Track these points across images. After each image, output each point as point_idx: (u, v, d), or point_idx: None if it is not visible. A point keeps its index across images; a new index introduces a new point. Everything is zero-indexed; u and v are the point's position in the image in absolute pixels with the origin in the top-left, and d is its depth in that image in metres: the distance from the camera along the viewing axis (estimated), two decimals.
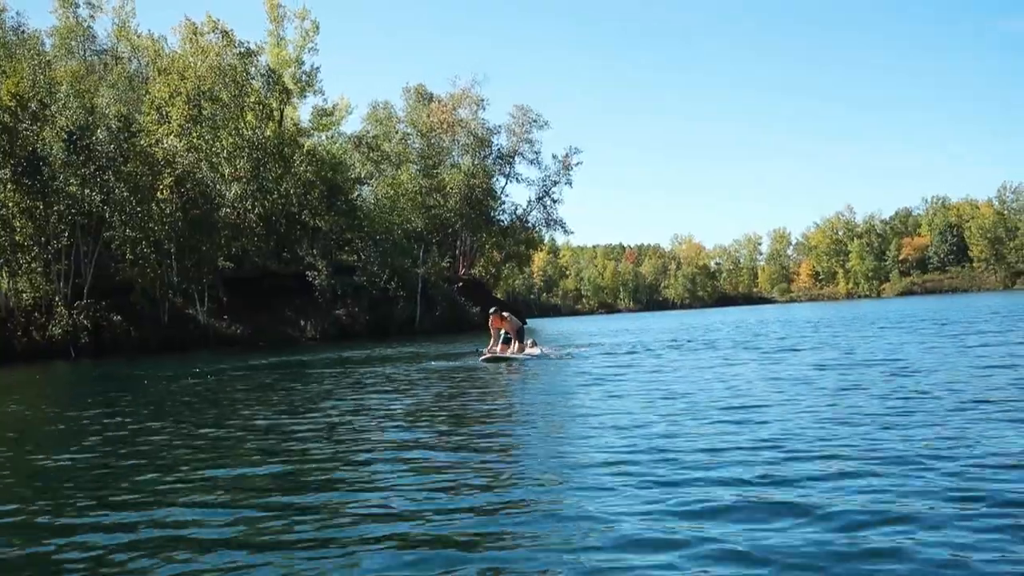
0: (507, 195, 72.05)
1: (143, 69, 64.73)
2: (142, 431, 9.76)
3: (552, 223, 71.44)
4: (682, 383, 11.88)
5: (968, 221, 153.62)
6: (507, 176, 70.54)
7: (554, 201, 70.95)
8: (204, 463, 7.09)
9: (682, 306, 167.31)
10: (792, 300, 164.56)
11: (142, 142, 46.42)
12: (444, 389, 13.31)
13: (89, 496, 5.99)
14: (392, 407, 10.79)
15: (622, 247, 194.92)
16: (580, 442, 7.20)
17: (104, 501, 5.82)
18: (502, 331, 20.18)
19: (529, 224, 71.84)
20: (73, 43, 65.37)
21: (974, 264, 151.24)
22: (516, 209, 71.71)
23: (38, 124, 42.50)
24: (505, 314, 20.70)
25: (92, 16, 66.45)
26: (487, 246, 70.90)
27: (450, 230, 65.99)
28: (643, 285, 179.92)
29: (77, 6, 65.38)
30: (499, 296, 72.85)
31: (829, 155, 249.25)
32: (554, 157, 70.78)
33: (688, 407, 9.10)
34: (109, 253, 47.44)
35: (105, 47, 67.56)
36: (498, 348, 19.72)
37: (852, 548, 3.98)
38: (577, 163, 70.22)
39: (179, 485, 6.16)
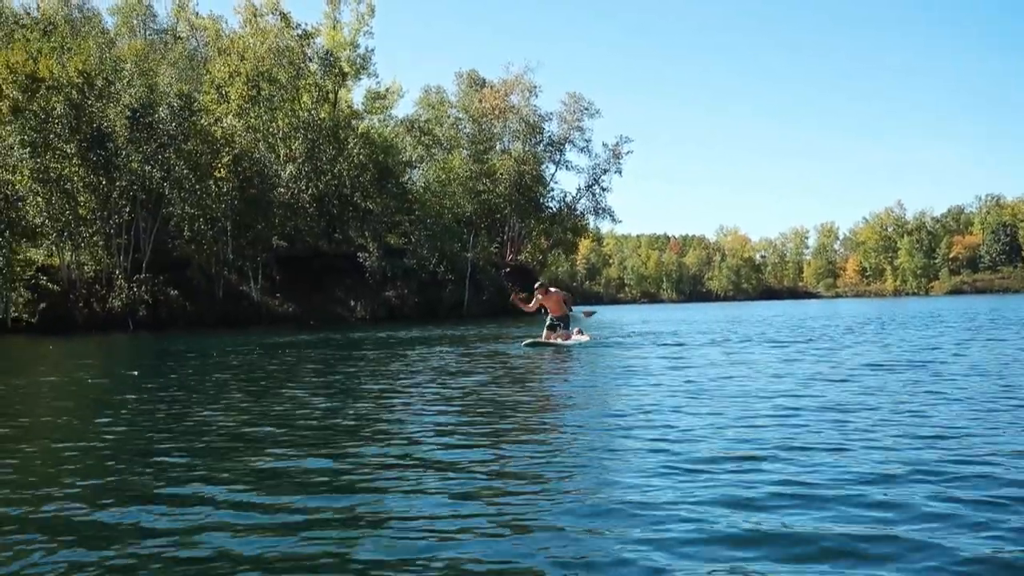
0: (556, 182, 72.27)
1: (201, 49, 65.90)
2: (205, 405, 9.96)
3: (600, 211, 71.46)
4: (737, 378, 11.83)
5: (1022, 220, 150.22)
6: (557, 163, 70.64)
7: (603, 189, 70.98)
8: (257, 444, 7.09)
9: (725, 298, 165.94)
10: (838, 295, 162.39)
11: (202, 121, 47.32)
12: (495, 373, 13.25)
13: (143, 471, 6.02)
14: (442, 391, 10.82)
15: (666, 237, 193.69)
16: (631, 433, 7.13)
17: (154, 475, 5.85)
18: (547, 311, 18.94)
19: (577, 212, 71.91)
20: (134, 21, 66.75)
21: None
22: (565, 196, 71.91)
23: (103, 101, 43.53)
24: (553, 290, 19.28)
25: None
26: (535, 232, 71.07)
27: (498, 215, 66.26)
28: (686, 276, 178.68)
29: None
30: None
31: (880, 153, 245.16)
32: (604, 145, 70.72)
33: (743, 402, 9.00)
34: (167, 229, 48.52)
35: (164, 26, 68.85)
36: (543, 334, 18.79)
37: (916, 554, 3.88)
38: (628, 152, 70.09)
39: (230, 465, 6.17)
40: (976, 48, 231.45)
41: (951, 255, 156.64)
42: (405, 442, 6.97)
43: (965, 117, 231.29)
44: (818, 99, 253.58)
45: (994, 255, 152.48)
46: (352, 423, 8.15)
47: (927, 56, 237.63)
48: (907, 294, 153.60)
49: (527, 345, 18.29)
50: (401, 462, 6.12)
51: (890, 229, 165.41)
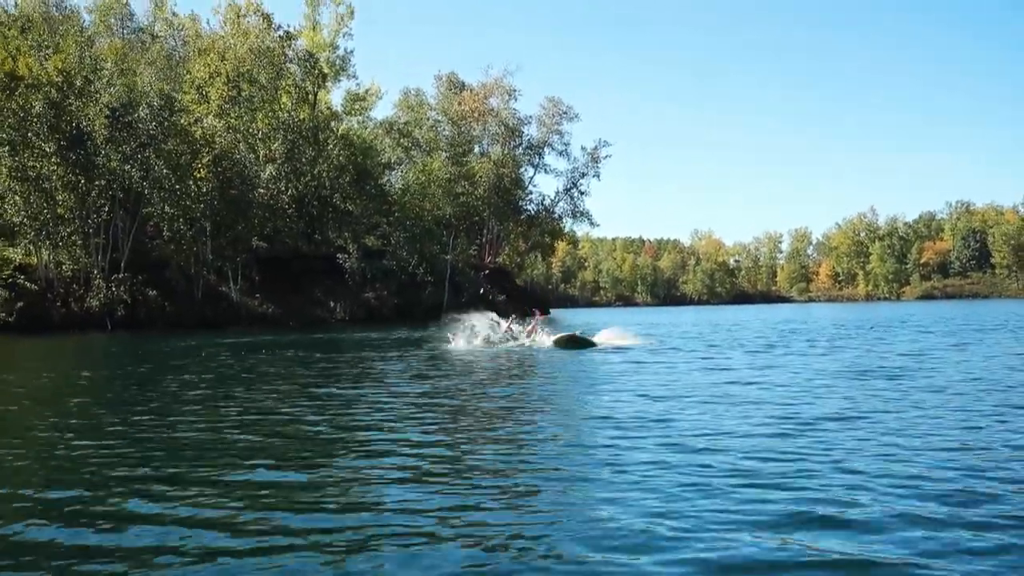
0: (535, 185, 72.74)
1: (179, 48, 65.55)
2: (180, 410, 10.11)
3: (578, 214, 71.94)
4: (721, 383, 12.11)
5: (992, 227, 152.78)
6: (535, 166, 71.09)
7: (581, 193, 71.45)
8: (232, 454, 7.16)
9: (699, 302, 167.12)
10: (810, 300, 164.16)
11: (182, 121, 47.21)
12: (481, 375, 13.44)
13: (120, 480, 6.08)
14: (417, 397, 10.93)
15: (641, 240, 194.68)
16: (608, 439, 7.31)
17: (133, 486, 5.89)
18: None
19: (555, 215, 72.34)
20: (112, 20, 66.22)
21: (996, 270, 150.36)
22: (543, 199, 72.34)
23: (83, 100, 43.34)
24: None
25: None
26: (513, 235, 71.44)
27: (477, 218, 66.52)
28: (661, 279, 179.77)
29: None
30: (519, 284, 73.42)
31: (853, 158, 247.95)
32: (583, 149, 71.22)
33: (730, 408, 9.19)
34: (145, 229, 48.33)
35: (142, 25, 68.39)
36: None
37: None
38: (606, 156, 70.66)
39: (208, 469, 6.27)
40: (950, 57, 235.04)
41: (922, 260, 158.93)
42: (387, 446, 7.10)
43: (939, 125, 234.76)
44: (794, 106, 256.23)
45: (964, 261, 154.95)
46: (336, 431, 8.18)
47: (903, 64, 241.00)
48: (879, 299, 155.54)
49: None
50: (375, 463, 6.28)
51: (863, 234, 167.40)
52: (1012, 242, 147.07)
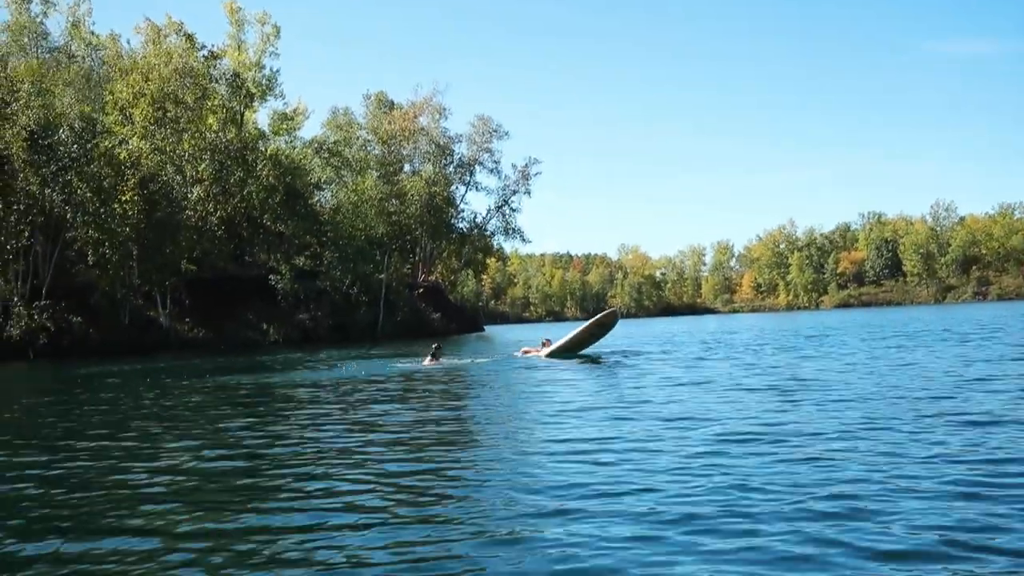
0: (467, 203, 72.95)
1: (98, 68, 63.87)
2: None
3: (511, 231, 72.38)
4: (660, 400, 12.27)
5: (902, 237, 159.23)
6: (467, 184, 71.28)
7: (513, 210, 71.96)
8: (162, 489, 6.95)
9: (628, 315, 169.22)
10: (734, 311, 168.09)
11: (105, 143, 46.01)
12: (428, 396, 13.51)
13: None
14: (351, 421, 10.81)
15: (570, 256, 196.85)
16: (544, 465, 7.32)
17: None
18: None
19: (488, 232, 72.70)
20: (26, 39, 64.18)
21: (907, 278, 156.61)
22: (475, 217, 72.64)
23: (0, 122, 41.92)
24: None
25: (45, 13, 65.37)
26: (445, 253, 71.52)
27: (409, 236, 66.41)
28: (590, 294, 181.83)
29: (30, 1, 64.24)
30: (452, 302, 73.46)
31: (773, 172, 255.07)
32: (513, 167, 71.76)
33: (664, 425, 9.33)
34: (69, 254, 46.85)
35: (57, 45, 66.44)
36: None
37: None
38: (536, 173, 71.33)
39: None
40: (865, 72, 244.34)
41: (839, 270, 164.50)
42: (319, 472, 7.10)
43: (857, 133, 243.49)
44: (716, 117, 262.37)
45: (878, 270, 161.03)
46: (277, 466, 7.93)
47: (824, 81, 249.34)
48: (799, 308, 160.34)
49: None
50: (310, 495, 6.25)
51: (782, 246, 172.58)
52: (921, 251, 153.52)
